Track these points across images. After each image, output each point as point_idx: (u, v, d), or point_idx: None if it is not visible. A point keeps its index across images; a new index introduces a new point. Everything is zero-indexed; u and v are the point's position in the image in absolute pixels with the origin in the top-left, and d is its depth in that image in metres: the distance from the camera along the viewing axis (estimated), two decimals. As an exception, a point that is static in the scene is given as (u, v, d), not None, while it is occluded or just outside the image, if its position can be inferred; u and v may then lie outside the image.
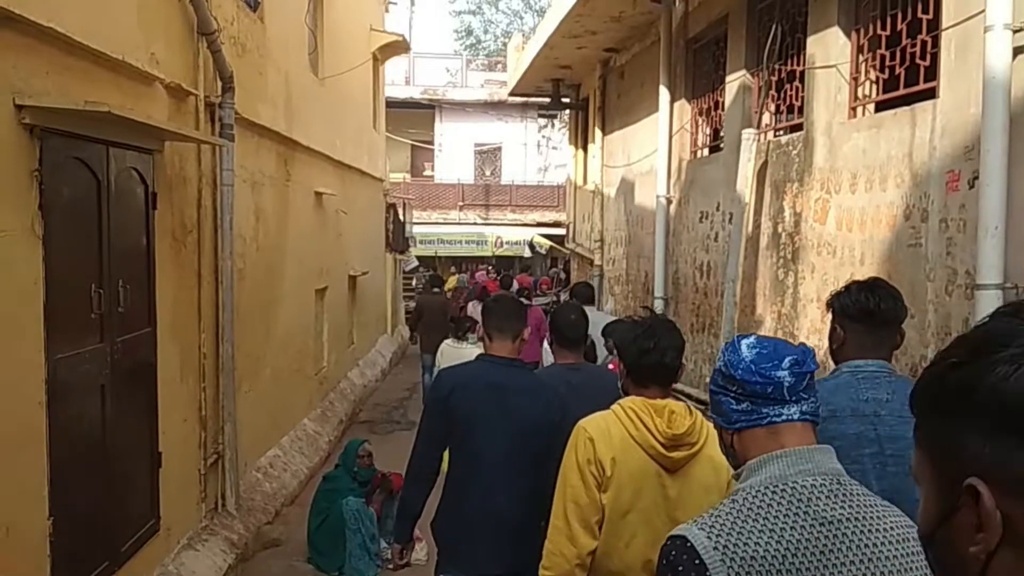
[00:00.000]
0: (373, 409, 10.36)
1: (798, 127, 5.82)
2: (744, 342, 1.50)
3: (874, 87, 5.01)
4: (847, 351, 2.35)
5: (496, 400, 2.95)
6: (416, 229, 19.99)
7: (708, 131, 7.79)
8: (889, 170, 4.63)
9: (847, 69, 5.10)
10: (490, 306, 3.26)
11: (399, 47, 12.87)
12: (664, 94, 8.11)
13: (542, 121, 24.97)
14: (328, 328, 9.26)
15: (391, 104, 17.64)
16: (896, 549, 1.39)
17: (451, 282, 16.20)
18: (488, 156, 25.54)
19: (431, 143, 24.99)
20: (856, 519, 1.39)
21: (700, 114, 7.86)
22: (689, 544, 1.35)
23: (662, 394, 2.28)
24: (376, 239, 13.53)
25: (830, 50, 5.25)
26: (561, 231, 19.09)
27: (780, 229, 6.03)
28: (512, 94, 14.52)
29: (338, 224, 9.78)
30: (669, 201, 8.25)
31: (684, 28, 7.91)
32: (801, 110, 5.76)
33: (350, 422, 9.32)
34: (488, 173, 25.43)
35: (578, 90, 12.78)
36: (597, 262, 11.34)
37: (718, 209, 7.16)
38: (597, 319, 6.02)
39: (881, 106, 4.88)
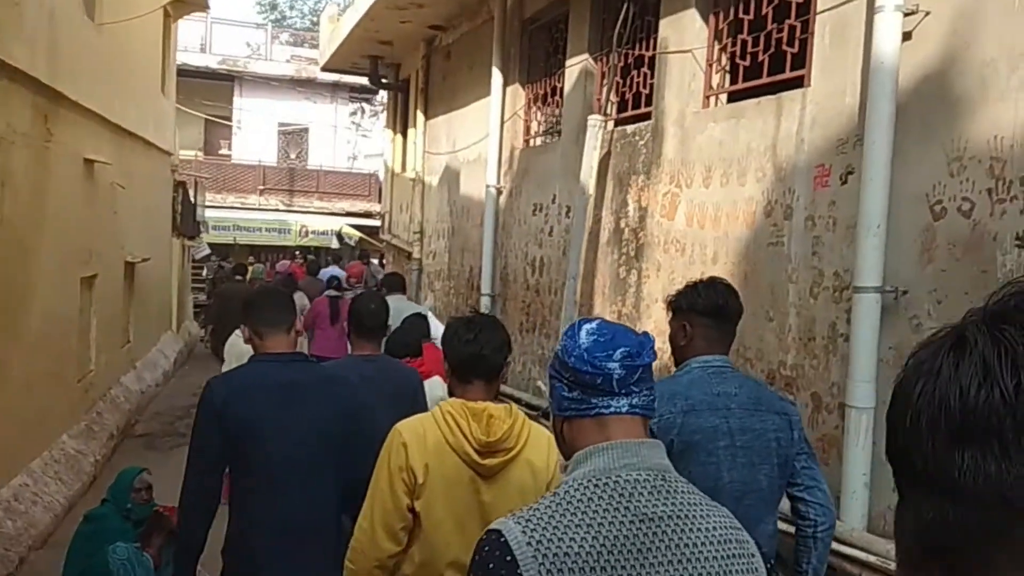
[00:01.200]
0: (152, 420, 8.92)
1: (645, 116, 5.49)
2: (585, 327, 1.44)
3: (729, 76, 4.76)
4: (696, 347, 2.38)
5: (284, 401, 2.64)
6: (209, 213, 18.16)
7: (543, 119, 7.36)
8: (749, 163, 4.36)
9: (703, 55, 4.81)
10: (254, 301, 2.92)
11: (195, 3, 11.37)
12: (497, 77, 7.58)
13: (353, 106, 23.73)
14: (97, 324, 7.80)
15: (184, 72, 15.83)
16: (717, 550, 1.36)
17: (248, 273, 14.78)
18: (293, 138, 23.77)
19: (229, 119, 22.76)
20: (678, 517, 1.35)
21: (535, 100, 7.42)
22: (503, 539, 1.31)
23: (485, 394, 2.21)
24: (161, 221, 11.90)
25: (685, 34, 4.94)
26: (373, 222, 18.17)
27: (623, 224, 5.68)
28: (324, 69, 13.36)
29: (113, 200, 8.29)
30: (499, 191, 7.75)
31: (520, 7, 7.43)
32: (650, 98, 5.43)
33: (123, 436, 7.90)
34: (293, 156, 23.67)
35: (398, 70, 11.98)
36: (416, 255, 10.65)
37: (554, 201, 6.74)
38: (404, 308, 5.47)
39: (739, 95, 4.62)
